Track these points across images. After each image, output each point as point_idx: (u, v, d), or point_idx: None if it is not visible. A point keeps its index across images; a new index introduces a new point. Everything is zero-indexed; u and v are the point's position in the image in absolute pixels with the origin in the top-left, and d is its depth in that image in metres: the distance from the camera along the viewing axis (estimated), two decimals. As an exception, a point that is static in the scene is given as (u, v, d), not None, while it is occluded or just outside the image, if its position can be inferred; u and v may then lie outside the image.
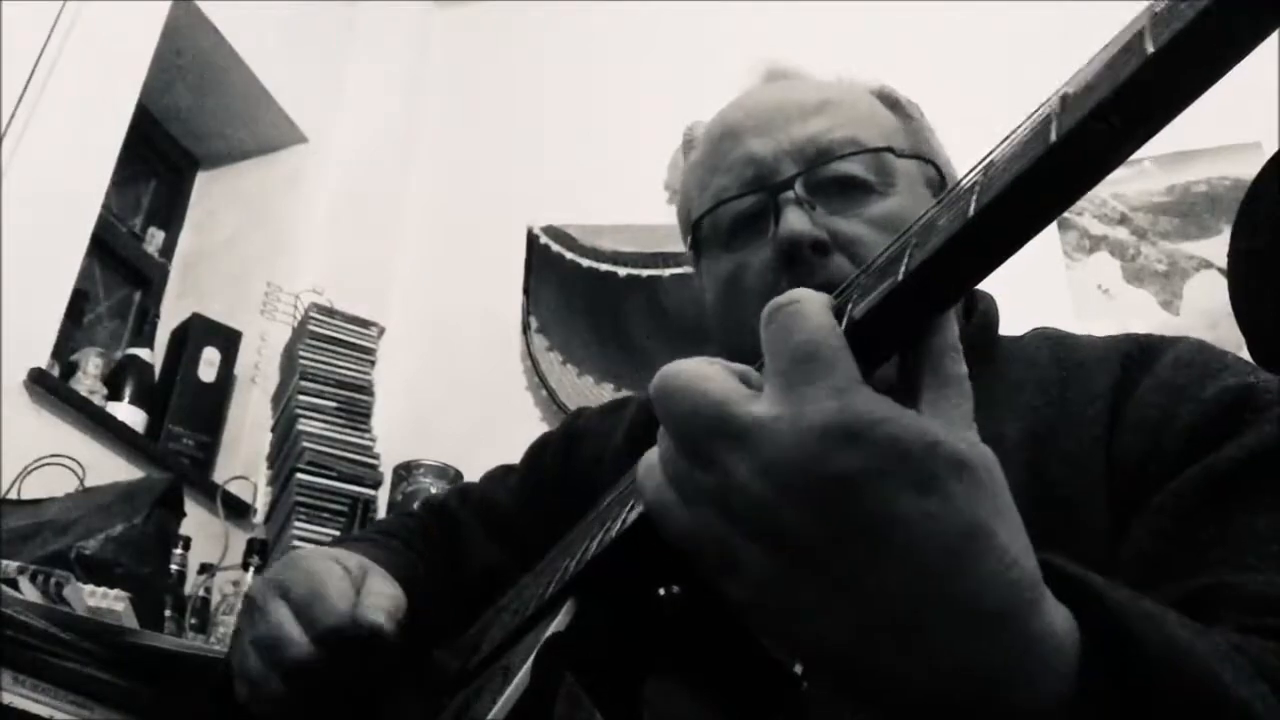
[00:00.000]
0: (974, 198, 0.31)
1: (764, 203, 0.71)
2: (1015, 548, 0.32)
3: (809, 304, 0.33)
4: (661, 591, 0.45)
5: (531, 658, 0.46)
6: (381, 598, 0.62)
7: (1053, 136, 0.29)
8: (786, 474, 0.31)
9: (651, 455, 0.37)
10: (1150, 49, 0.26)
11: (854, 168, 0.71)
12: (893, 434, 0.31)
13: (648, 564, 0.45)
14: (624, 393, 2.27)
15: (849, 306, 0.34)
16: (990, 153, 0.33)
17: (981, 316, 0.74)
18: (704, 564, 0.35)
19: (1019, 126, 0.32)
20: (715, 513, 0.33)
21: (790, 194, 0.70)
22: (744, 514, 0.32)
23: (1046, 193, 0.30)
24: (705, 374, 0.34)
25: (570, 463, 0.87)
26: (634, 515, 0.44)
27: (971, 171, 0.34)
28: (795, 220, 0.68)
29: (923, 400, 0.34)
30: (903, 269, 0.33)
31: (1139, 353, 0.64)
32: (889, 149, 0.73)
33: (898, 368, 0.36)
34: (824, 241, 0.68)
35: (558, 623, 0.47)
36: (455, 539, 0.87)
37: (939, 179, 0.78)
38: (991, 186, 0.31)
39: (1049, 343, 0.70)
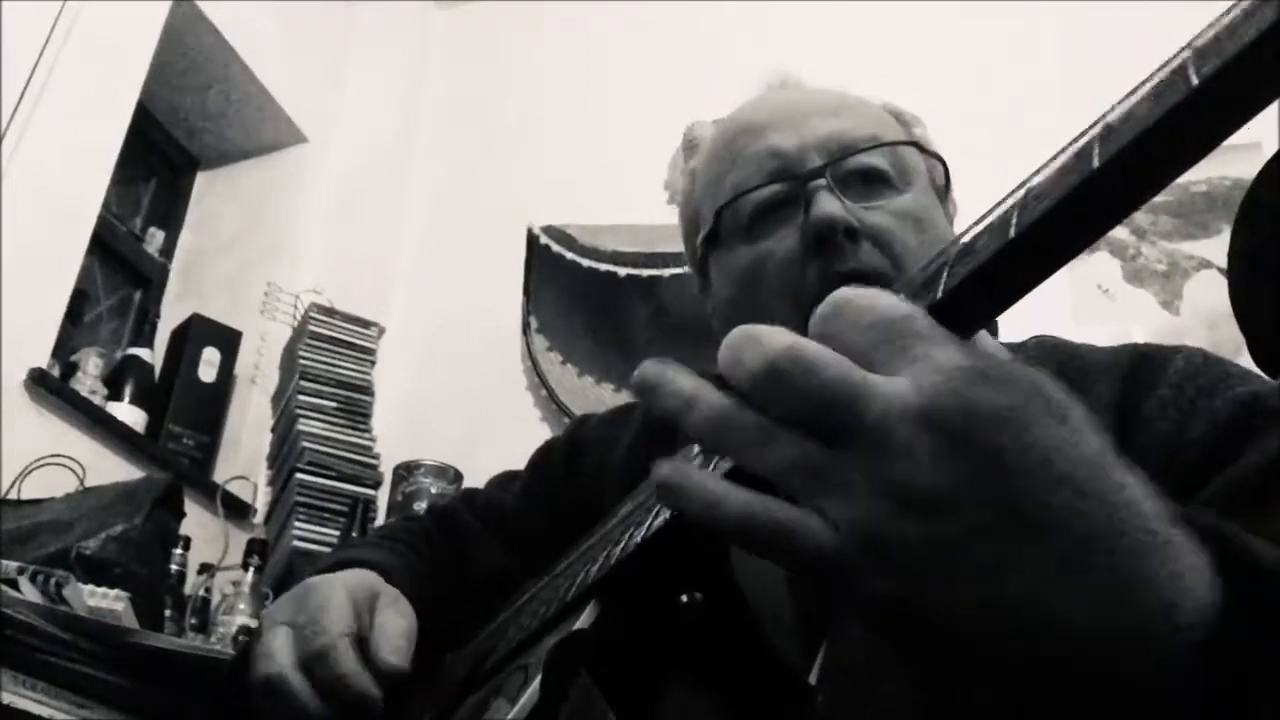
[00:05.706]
0: (1014, 219, 0.31)
1: (791, 192, 0.72)
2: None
3: (877, 292, 0.33)
4: (684, 598, 0.45)
5: (546, 652, 0.46)
6: (394, 636, 0.62)
7: (1095, 162, 0.29)
8: (943, 424, 0.30)
9: (712, 489, 0.33)
10: (1195, 80, 0.27)
11: (877, 160, 0.73)
12: (1018, 370, 0.31)
13: (671, 570, 0.45)
14: (624, 393, 2.27)
15: None
16: (1029, 178, 0.34)
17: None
18: (842, 575, 0.31)
19: (1059, 151, 0.33)
20: (863, 501, 0.30)
21: (821, 181, 0.71)
22: (903, 488, 0.30)
23: (1087, 217, 0.30)
24: (822, 352, 0.32)
25: (576, 469, 0.87)
26: (659, 521, 0.44)
27: (1009, 195, 0.34)
28: (829, 204, 0.69)
29: None
30: (940, 288, 0.33)
31: (1142, 364, 0.64)
32: (911, 142, 0.75)
33: None
34: (856, 228, 0.69)
35: (580, 623, 0.47)
36: (461, 543, 0.87)
37: (945, 183, 0.80)
38: (1031, 210, 0.31)
39: (1051, 352, 0.70)
